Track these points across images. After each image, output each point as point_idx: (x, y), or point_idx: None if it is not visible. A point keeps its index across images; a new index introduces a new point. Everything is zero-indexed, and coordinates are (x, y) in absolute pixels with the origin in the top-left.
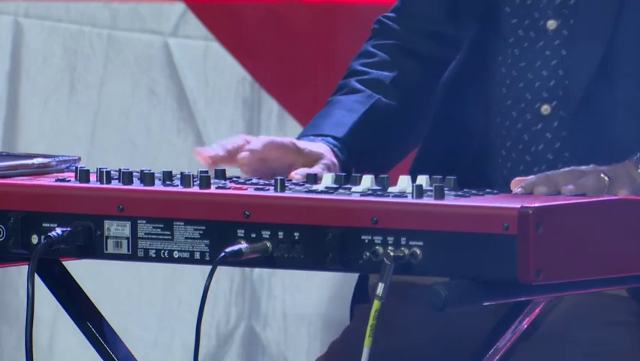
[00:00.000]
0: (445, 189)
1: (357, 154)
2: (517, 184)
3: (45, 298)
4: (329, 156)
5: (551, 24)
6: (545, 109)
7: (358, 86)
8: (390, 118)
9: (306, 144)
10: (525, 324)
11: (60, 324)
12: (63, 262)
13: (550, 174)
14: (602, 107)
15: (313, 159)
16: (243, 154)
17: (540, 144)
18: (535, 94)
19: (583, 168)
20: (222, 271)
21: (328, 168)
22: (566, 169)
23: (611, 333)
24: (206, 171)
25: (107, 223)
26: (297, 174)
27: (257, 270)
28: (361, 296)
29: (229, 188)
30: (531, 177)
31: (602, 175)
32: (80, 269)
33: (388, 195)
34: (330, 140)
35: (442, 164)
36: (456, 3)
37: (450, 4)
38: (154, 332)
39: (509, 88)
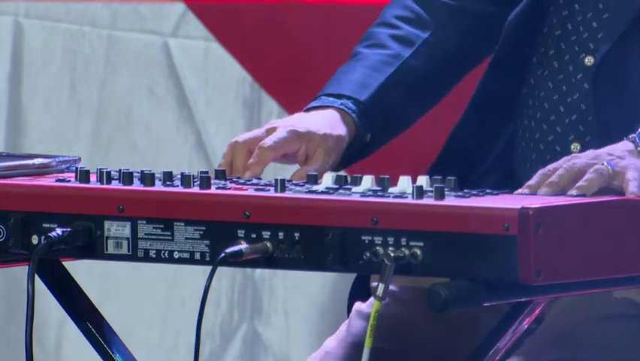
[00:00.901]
0: (446, 189)
1: (377, 119)
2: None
3: (52, 298)
4: (334, 133)
5: (589, 60)
6: (589, 60)
7: (387, 41)
8: (415, 83)
9: (306, 124)
10: (525, 324)
11: (67, 325)
12: (63, 263)
13: (552, 173)
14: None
15: (315, 144)
16: (246, 175)
17: (576, 93)
18: (582, 46)
19: (581, 162)
20: (224, 271)
21: (332, 152)
22: (564, 163)
23: (611, 332)
24: (207, 172)
25: (107, 224)
26: (302, 171)
27: (258, 270)
28: (359, 293)
29: (229, 188)
30: (534, 177)
31: (604, 165)
32: (84, 270)
33: (389, 196)
34: (350, 104)
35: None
36: None
37: None
38: (158, 332)
39: (556, 41)
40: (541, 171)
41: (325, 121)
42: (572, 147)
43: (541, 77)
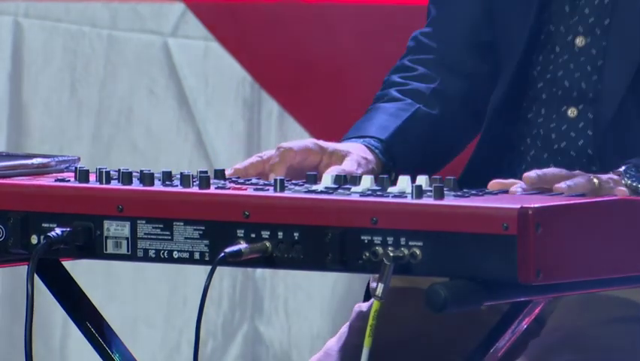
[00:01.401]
0: (445, 189)
1: (400, 157)
2: (496, 186)
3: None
4: (359, 153)
5: (580, 41)
6: (572, 111)
7: (398, 95)
8: (432, 126)
9: (330, 143)
10: (525, 324)
11: (71, 326)
12: (63, 263)
13: (541, 175)
14: (627, 128)
15: (339, 156)
16: (265, 167)
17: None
18: (564, 97)
19: (574, 172)
20: (226, 270)
21: (358, 164)
22: (555, 170)
23: (620, 335)
24: (206, 171)
25: (106, 223)
26: (331, 172)
27: (259, 269)
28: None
29: (228, 188)
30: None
31: (593, 177)
32: (86, 269)
33: (388, 196)
34: (372, 141)
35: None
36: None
37: (487, 8)
38: (160, 331)
39: (530, 100)
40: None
41: (352, 146)
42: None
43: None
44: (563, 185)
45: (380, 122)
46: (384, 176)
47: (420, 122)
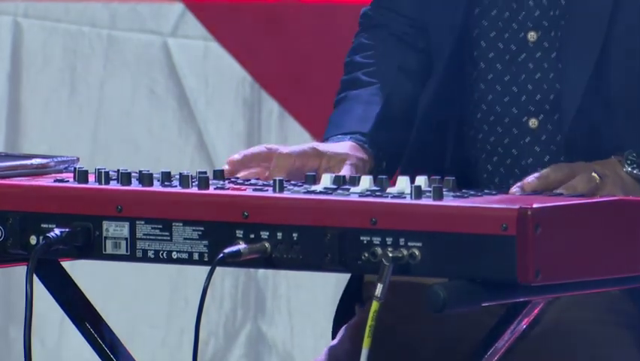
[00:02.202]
0: (444, 189)
1: (385, 146)
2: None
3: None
4: (355, 154)
5: (532, 36)
6: (533, 123)
7: (367, 78)
8: (407, 105)
9: (328, 147)
10: (524, 324)
11: (68, 324)
12: (62, 263)
13: (543, 176)
14: (593, 117)
15: (338, 160)
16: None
17: (529, 157)
18: (521, 108)
19: (573, 165)
20: (228, 270)
21: (356, 168)
22: (556, 168)
23: (609, 333)
24: (205, 172)
25: (105, 224)
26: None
27: (261, 269)
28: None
29: (228, 189)
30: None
31: (594, 174)
32: (88, 270)
33: (387, 196)
34: (358, 136)
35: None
36: (428, 16)
37: (422, 16)
38: (162, 332)
39: (490, 104)
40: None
41: (345, 146)
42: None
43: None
44: (562, 190)
45: (358, 113)
46: (383, 177)
47: (395, 104)
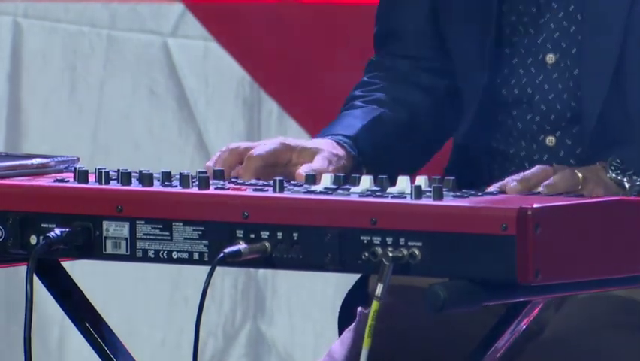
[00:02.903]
0: (444, 189)
1: (369, 150)
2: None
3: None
4: (329, 149)
5: (550, 58)
6: (550, 140)
7: (362, 104)
8: (398, 127)
9: (298, 141)
10: (524, 324)
11: (70, 324)
12: (68, 263)
13: (524, 174)
14: (612, 132)
15: (309, 153)
16: (242, 177)
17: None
18: (539, 126)
19: (556, 166)
20: (227, 270)
21: (329, 161)
22: (539, 168)
23: (613, 335)
24: (205, 172)
25: (105, 224)
26: (302, 171)
27: (261, 269)
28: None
29: (228, 188)
30: (506, 179)
31: (576, 172)
32: (88, 269)
33: (387, 196)
34: (340, 137)
35: None
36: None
37: (438, 42)
38: (161, 332)
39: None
40: (511, 177)
41: (320, 142)
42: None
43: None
44: (540, 189)
45: (347, 122)
46: (384, 177)
47: (385, 123)
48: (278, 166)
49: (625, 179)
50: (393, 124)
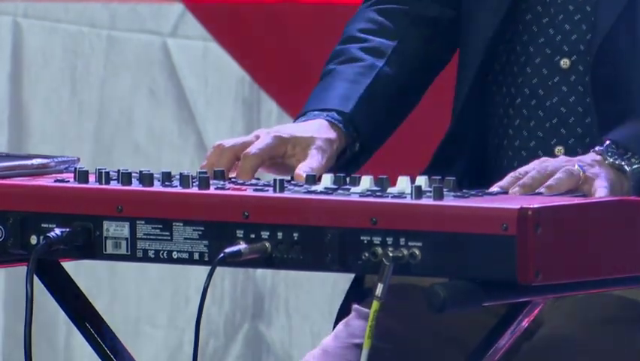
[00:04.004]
0: (444, 189)
1: (363, 128)
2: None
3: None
4: (321, 136)
5: (565, 62)
6: (565, 62)
7: (359, 53)
8: (392, 88)
9: (292, 131)
10: (525, 324)
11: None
12: (69, 263)
13: (524, 176)
14: (622, 57)
15: (303, 145)
16: (240, 176)
17: (554, 97)
18: (555, 48)
19: (553, 161)
20: (227, 270)
21: (322, 151)
22: (536, 165)
23: (609, 334)
24: (205, 172)
25: (105, 224)
26: (301, 171)
27: (260, 270)
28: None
29: (228, 189)
30: (505, 179)
31: (576, 167)
32: (90, 269)
33: (387, 196)
34: (335, 115)
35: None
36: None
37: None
38: (163, 331)
39: (524, 44)
40: (512, 174)
41: (312, 127)
42: (556, 150)
43: (517, 85)
44: (542, 190)
45: (341, 91)
46: (384, 177)
47: (381, 87)
48: (274, 160)
49: (624, 162)
50: (387, 86)
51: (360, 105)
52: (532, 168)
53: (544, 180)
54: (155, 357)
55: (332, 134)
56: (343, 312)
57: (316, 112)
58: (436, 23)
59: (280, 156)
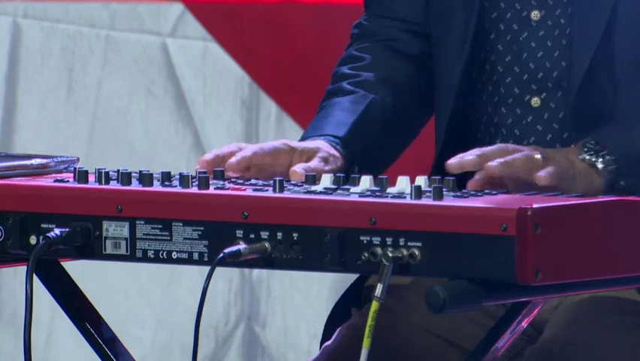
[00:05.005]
0: (444, 189)
1: (359, 150)
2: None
3: (43, 298)
4: (326, 150)
5: (535, 14)
6: (535, 101)
7: (350, 87)
8: (387, 115)
9: (298, 143)
10: (524, 324)
11: (57, 324)
12: (62, 263)
13: (483, 150)
14: (598, 95)
15: (309, 154)
16: (231, 160)
17: (531, 136)
18: (523, 87)
19: (518, 146)
20: (221, 272)
21: (326, 161)
22: (501, 146)
23: (619, 335)
24: (205, 172)
25: (105, 224)
26: (298, 168)
27: (256, 271)
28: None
29: (228, 189)
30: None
31: (537, 155)
32: (79, 270)
33: (387, 196)
34: (331, 138)
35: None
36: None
37: (424, 4)
38: (152, 333)
39: (495, 84)
40: (472, 151)
41: (318, 143)
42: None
43: (495, 125)
44: (494, 163)
45: (336, 118)
46: (384, 177)
47: (374, 114)
48: (279, 166)
49: (599, 160)
50: (381, 113)
51: (355, 128)
52: (497, 146)
53: (503, 155)
54: (143, 359)
55: (335, 152)
56: (337, 314)
57: (314, 137)
58: (418, 58)
59: (286, 165)
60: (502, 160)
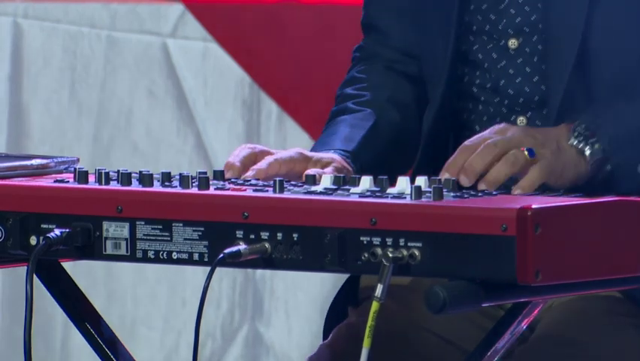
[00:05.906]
0: (444, 190)
1: (367, 165)
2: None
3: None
4: (339, 161)
5: (513, 43)
6: (521, 120)
7: (357, 107)
8: (394, 132)
9: (314, 153)
10: (524, 325)
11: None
12: (62, 263)
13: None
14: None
15: (323, 164)
16: (248, 173)
17: None
18: (509, 107)
19: (510, 136)
20: (225, 271)
21: (339, 171)
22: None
23: (610, 335)
24: (205, 172)
25: (105, 224)
26: (312, 171)
27: (259, 270)
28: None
29: (228, 189)
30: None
31: (525, 153)
32: (86, 271)
33: (387, 197)
34: (341, 152)
35: None
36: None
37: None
38: (159, 333)
39: (478, 112)
40: (462, 147)
41: (330, 155)
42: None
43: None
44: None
45: (344, 134)
46: (384, 177)
47: (382, 130)
48: (294, 176)
49: (587, 147)
50: (388, 129)
51: (364, 144)
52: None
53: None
54: (150, 359)
55: (347, 165)
56: (333, 314)
57: (324, 151)
58: (418, 78)
59: (300, 174)
60: (487, 181)
